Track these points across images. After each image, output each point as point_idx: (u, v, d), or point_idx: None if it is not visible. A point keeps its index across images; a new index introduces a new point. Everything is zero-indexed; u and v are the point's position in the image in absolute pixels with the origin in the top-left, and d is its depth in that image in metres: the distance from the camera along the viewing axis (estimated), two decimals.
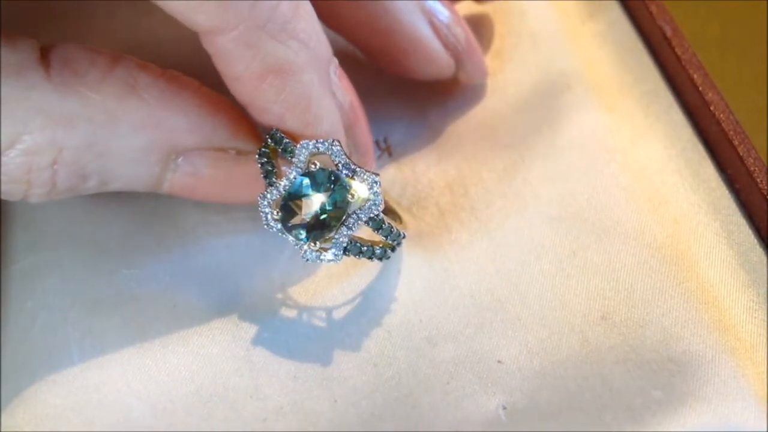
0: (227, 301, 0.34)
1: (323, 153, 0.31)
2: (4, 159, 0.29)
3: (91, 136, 0.30)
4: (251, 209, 0.36)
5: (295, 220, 0.32)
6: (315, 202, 0.31)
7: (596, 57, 0.41)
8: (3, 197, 0.31)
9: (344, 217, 0.32)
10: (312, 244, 0.32)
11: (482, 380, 0.32)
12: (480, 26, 0.42)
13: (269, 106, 0.31)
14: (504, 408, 0.32)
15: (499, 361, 0.33)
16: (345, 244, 0.32)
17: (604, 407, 0.31)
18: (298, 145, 0.31)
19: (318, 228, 0.32)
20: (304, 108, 0.31)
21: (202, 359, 0.33)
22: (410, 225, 0.37)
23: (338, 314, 0.34)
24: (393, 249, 0.33)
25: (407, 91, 0.40)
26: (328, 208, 0.31)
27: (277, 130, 0.32)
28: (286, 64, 0.30)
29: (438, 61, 0.38)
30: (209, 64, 0.31)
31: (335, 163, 0.31)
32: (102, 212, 0.36)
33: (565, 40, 0.41)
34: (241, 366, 0.33)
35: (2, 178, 0.30)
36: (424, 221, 0.37)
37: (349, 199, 0.32)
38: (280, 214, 0.32)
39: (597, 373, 0.32)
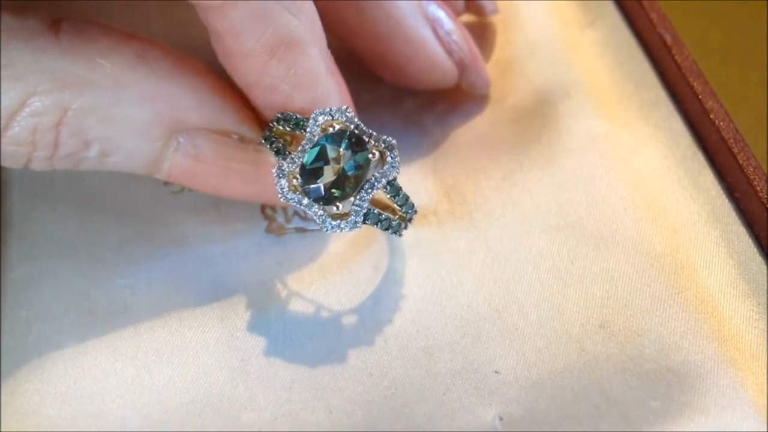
0: (222, 310, 0.34)
1: (336, 120, 0.31)
2: (11, 124, 0.30)
3: (97, 100, 0.30)
4: (247, 217, 0.36)
5: (316, 185, 0.31)
6: (336, 165, 0.31)
7: (596, 65, 0.41)
8: (5, 164, 0.31)
9: (364, 182, 0.31)
10: (336, 208, 0.31)
11: (479, 391, 0.32)
12: (480, 36, 0.42)
13: (278, 83, 0.31)
14: (501, 419, 0.32)
15: (496, 372, 0.33)
16: (365, 210, 0.32)
17: (602, 417, 0.31)
18: (312, 115, 0.31)
19: (339, 192, 0.31)
20: (312, 84, 0.31)
21: (197, 369, 0.33)
22: (408, 234, 0.36)
23: (334, 324, 0.34)
24: (405, 226, 0.33)
25: (404, 101, 0.40)
26: (348, 171, 0.31)
27: (283, 113, 0.32)
28: (297, 37, 0.30)
29: (441, 67, 0.38)
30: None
31: (351, 128, 0.31)
32: (97, 221, 0.36)
33: (565, 48, 0.41)
34: (236, 376, 0.33)
35: (8, 140, 0.30)
36: (422, 230, 0.36)
37: (371, 159, 0.31)
38: (299, 180, 0.31)
39: (594, 383, 0.32)
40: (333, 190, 0.31)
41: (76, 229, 0.36)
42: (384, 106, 0.40)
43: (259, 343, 0.33)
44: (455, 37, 0.38)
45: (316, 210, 0.31)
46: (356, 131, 0.31)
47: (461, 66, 0.38)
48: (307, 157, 0.31)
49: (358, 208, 0.31)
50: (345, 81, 0.35)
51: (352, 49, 0.38)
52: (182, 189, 0.37)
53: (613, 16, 0.42)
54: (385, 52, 0.37)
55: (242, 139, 0.33)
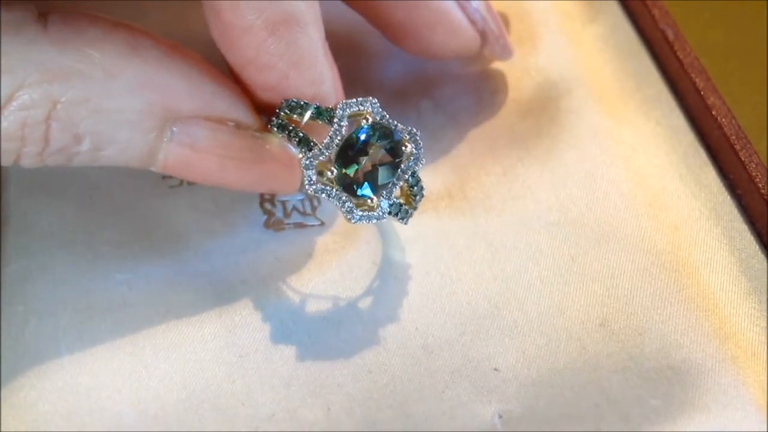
0: (220, 306, 0.34)
1: (362, 112, 0.31)
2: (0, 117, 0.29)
3: (87, 91, 0.30)
4: (245, 213, 0.36)
5: (349, 176, 0.31)
6: (369, 157, 0.31)
7: (597, 61, 0.41)
8: None
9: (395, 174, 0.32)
10: (371, 200, 0.31)
11: (478, 388, 0.32)
12: None
13: (275, 61, 0.31)
14: (500, 416, 0.31)
15: (495, 369, 0.32)
16: (391, 201, 0.32)
17: (601, 416, 0.31)
18: (339, 105, 0.31)
19: (372, 184, 0.31)
20: (309, 65, 0.31)
21: (194, 365, 0.32)
22: (407, 229, 0.36)
23: (333, 320, 0.34)
24: (411, 213, 0.33)
25: (404, 93, 0.40)
26: (381, 163, 0.31)
27: (291, 99, 0.31)
28: (299, 15, 0.30)
29: (464, 35, 0.37)
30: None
31: (377, 119, 0.31)
32: (95, 216, 0.36)
33: (566, 43, 0.41)
34: (234, 372, 0.32)
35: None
36: (421, 225, 0.36)
37: (404, 151, 0.31)
38: (334, 173, 0.31)
39: (594, 382, 0.32)
40: (366, 183, 0.31)
41: (73, 224, 0.35)
42: (383, 101, 0.39)
43: (256, 339, 0.33)
44: (476, 5, 0.37)
45: (345, 200, 0.31)
46: (383, 122, 0.31)
47: (483, 34, 0.38)
48: (340, 149, 0.31)
49: (386, 199, 0.32)
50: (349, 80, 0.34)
51: (371, 21, 0.37)
52: (181, 183, 0.37)
53: (615, 12, 0.42)
54: (407, 21, 0.36)
55: (238, 126, 0.32)
